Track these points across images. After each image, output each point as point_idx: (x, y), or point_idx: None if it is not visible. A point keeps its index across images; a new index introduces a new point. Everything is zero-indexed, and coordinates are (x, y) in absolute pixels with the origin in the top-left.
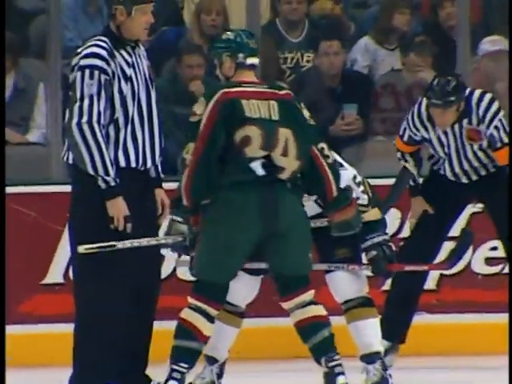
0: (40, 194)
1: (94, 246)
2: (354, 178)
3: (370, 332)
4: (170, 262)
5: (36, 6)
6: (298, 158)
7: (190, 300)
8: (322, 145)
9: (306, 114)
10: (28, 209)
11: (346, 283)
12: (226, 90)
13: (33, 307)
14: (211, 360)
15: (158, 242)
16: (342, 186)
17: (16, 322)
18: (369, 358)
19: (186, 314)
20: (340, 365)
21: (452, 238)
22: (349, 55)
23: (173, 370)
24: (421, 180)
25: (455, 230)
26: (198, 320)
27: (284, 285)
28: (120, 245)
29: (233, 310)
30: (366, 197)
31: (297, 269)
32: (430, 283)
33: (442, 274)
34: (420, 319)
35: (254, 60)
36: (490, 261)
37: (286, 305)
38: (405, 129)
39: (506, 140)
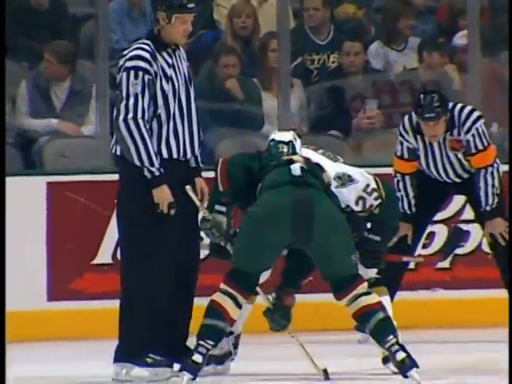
0: (91, 182)
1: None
2: (367, 187)
3: None
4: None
5: (86, 11)
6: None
7: (222, 286)
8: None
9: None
10: (79, 195)
11: None
12: None
13: (83, 285)
14: (228, 332)
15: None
16: (353, 200)
17: (68, 299)
18: None
19: (217, 297)
20: (396, 343)
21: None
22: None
23: (199, 345)
24: (409, 210)
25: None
26: (228, 303)
27: (334, 285)
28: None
29: None
30: (379, 201)
31: (343, 271)
32: (445, 262)
33: (455, 254)
34: (435, 295)
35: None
36: None
37: (340, 302)
38: (401, 143)
39: (480, 147)
